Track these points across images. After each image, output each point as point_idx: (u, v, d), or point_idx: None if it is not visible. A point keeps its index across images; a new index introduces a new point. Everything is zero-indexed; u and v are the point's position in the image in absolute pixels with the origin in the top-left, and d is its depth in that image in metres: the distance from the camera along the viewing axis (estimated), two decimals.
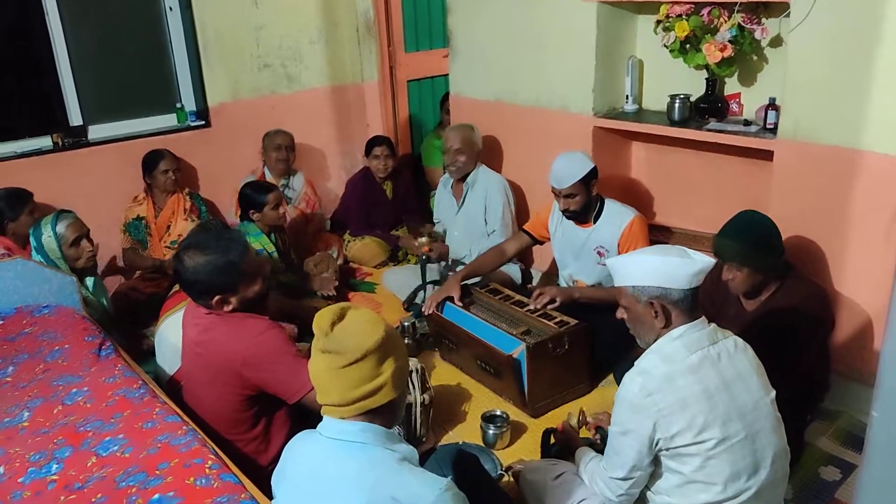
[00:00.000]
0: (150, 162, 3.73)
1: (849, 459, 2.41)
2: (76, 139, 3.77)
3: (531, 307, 2.87)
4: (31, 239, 2.86)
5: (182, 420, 1.97)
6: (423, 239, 3.62)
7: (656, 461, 1.76)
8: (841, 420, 2.59)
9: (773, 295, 2.41)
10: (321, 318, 1.42)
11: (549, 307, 2.84)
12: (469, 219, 3.65)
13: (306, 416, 1.52)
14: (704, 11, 2.79)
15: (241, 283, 2.05)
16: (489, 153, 3.86)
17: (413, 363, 2.47)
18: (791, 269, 2.45)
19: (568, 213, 2.94)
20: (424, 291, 3.52)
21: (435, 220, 3.92)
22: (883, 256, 2.44)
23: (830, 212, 2.57)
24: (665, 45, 2.95)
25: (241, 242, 2.10)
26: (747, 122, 2.90)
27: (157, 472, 1.72)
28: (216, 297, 2.04)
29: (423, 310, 3.10)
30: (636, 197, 3.55)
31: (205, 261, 2.02)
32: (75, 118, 3.80)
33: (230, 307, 2.05)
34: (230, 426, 2.09)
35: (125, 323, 3.23)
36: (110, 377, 2.21)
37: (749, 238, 2.30)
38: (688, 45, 2.89)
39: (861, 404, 2.55)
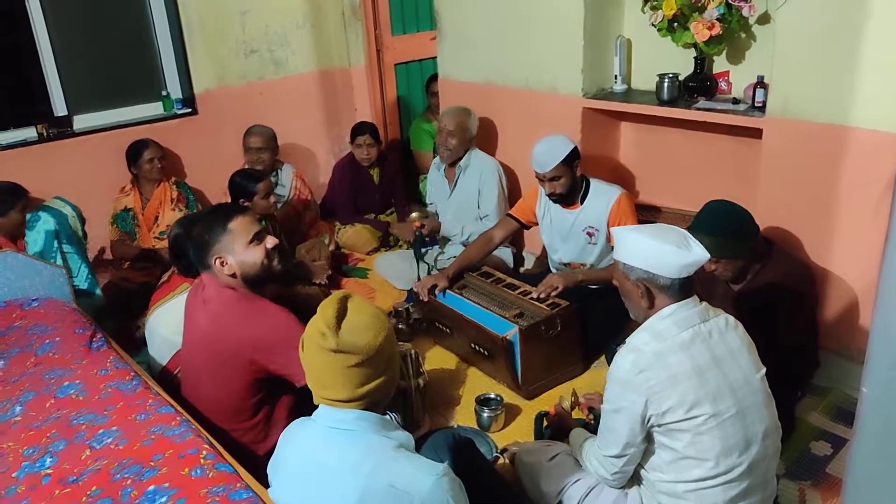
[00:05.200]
0: (134, 152, 3.70)
1: (839, 434, 2.43)
2: (61, 129, 3.74)
3: (535, 296, 2.82)
4: (49, 220, 2.82)
5: (176, 411, 1.97)
6: (414, 214, 3.64)
7: (649, 438, 1.77)
8: (831, 395, 2.61)
9: (757, 275, 2.43)
10: (325, 315, 1.38)
11: (553, 294, 2.81)
12: (462, 202, 3.65)
13: (307, 403, 1.52)
14: None
15: (234, 240, 2.03)
16: (479, 136, 3.85)
17: (407, 348, 2.48)
18: (772, 248, 2.47)
19: (554, 197, 2.93)
20: (420, 270, 3.54)
21: (428, 203, 3.91)
22: (871, 233, 2.45)
23: (820, 189, 2.57)
24: (653, 24, 2.93)
25: (239, 209, 2.14)
26: (736, 101, 2.89)
27: (152, 463, 1.72)
28: (214, 257, 2.02)
29: (419, 296, 3.09)
30: (626, 177, 3.55)
31: (198, 217, 2.13)
32: (60, 108, 3.76)
33: (230, 270, 2.03)
34: (231, 415, 2.09)
35: (117, 313, 3.22)
36: (102, 369, 2.20)
37: (718, 230, 2.29)
38: (675, 24, 2.87)
39: (850, 380, 2.57)
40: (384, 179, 4.30)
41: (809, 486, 2.23)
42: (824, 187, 2.55)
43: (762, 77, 2.74)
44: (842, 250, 2.58)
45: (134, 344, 2.96)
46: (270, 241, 2.10)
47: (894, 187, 0.90)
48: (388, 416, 1.71)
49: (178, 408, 2.01)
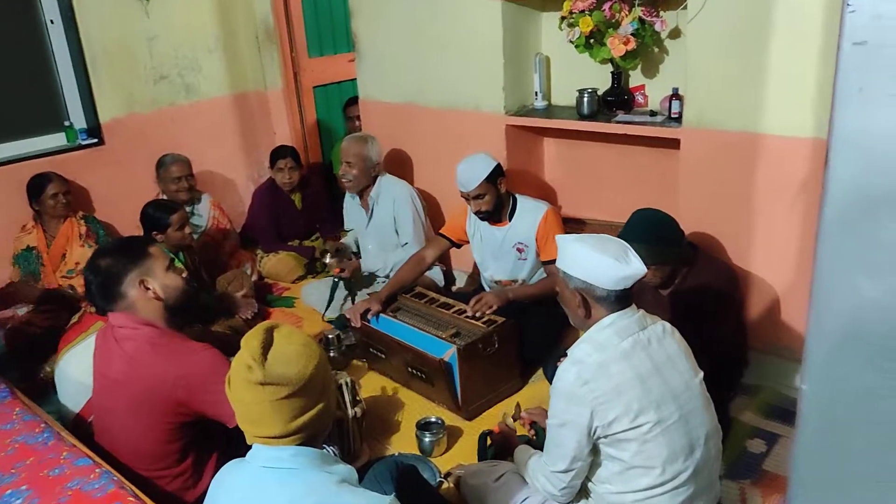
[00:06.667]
0: (36, 187, 3.46)
1: (773, 430, 2.50)
2: None
3: (470, 314, 2.79)
4: None
5: (94, 462, 1.81)
6: (332, 261, 3.49)
7: (595, 450, 1.77)
8: (762, 393, 2.69)
9: (684, 279, 2.49)
10: (250, 347, 1.30)
11: (488, 312, 2.79)
12: (380, 231, 3.55)
13: (237, 445, 1.42)
14: (606, 6, 2.85)
15: (153, 264, 1.99)
16: (402, 158, 3.82)
17: (342, 377, 2.39)
18: (697, 252, 2.54)
19: (481, 214, 2.93)
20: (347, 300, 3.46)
21: (347, 229, 3.82)
22: (786, 234, 2.56)
23: (737, 194, 2.67)
24: (570, 41, 2.99)
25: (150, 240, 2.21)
26: (653, 113, 2.98)
27: None
28: (138, 280, 1.94)
29: (351, 323, 3.00)
30: (551, 191, 3.59)
31: (114, 244, 2.12)
32: None
33: (152, 294, 1.95)
34: (155, 461, 1.94)
35: (21, 360, 2.97)
36: (7, 423, 2.02)
37: (647, 238, 2.31)
38: (592, 40, 2.94)
39: (779, 377, 2.66)
40: (307, 204, 4.20)
41: (749, 484, 2.27)
42: (741, 192, 2.65)
43: (677, 89, 2.83)
44: (761, 251, 2.68)
45: (41, 392, 2.74)
46: (183, 272, 2.12)
47: (821, 189, 0.91)
48: (326, 450, 1.63)
49: (97, 459, 1.85)
